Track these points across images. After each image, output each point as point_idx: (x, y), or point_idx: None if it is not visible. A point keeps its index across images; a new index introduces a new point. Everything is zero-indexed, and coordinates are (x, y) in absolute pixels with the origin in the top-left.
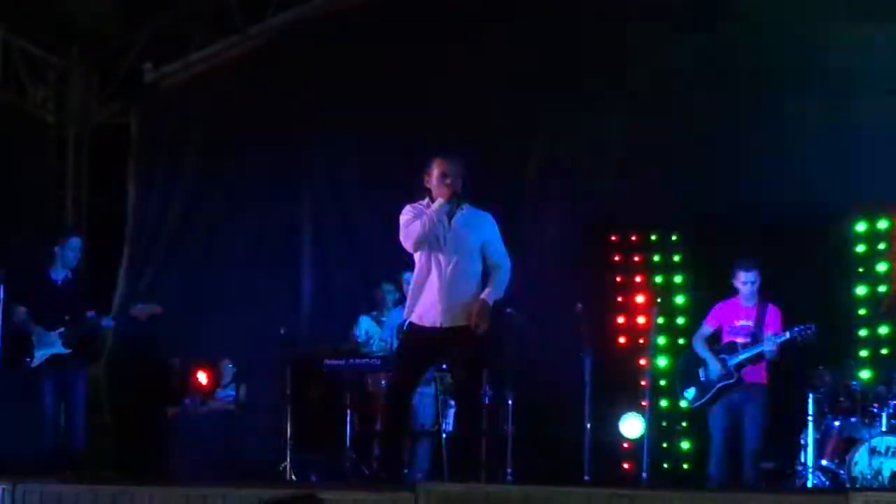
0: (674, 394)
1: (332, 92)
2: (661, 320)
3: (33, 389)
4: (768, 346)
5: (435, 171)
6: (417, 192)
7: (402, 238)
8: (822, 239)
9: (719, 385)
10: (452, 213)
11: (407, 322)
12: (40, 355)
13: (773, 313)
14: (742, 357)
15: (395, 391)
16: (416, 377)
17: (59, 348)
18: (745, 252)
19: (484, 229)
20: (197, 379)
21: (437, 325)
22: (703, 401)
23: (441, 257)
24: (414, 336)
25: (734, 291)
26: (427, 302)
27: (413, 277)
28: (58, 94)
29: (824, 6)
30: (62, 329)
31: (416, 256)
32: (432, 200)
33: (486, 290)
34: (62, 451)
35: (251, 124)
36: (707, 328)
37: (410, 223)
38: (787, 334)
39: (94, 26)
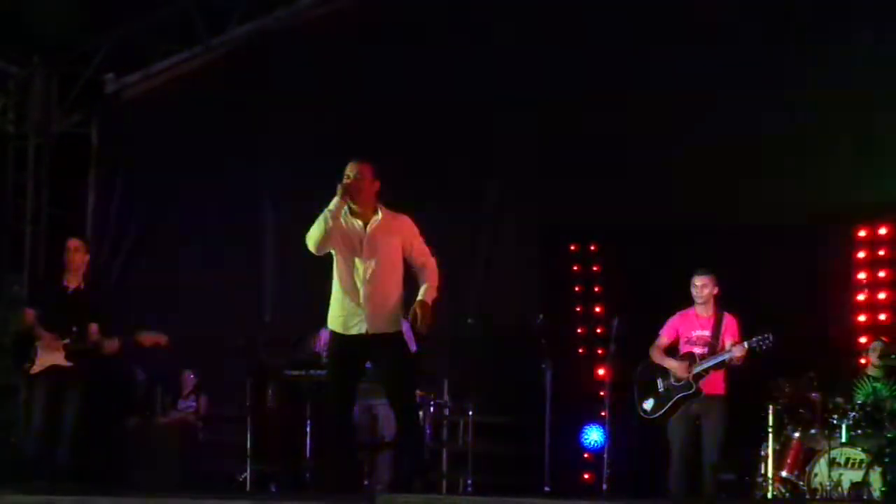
0: (633, 404)
1: (293, 102)
2: None
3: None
4: (736, 351)
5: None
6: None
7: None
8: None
9: (678, 396)
10: (367, 220)
11: (330, 331)
12: (41, 363)
13: (729, 322)
14: (703, 367)
15: (331, 403)
16: (350, 386)
17: (60, 360)
18: (705, 260)
19: (402, 232)
20: (157, 389)
21: (363, 332)
22: (661, 412)
23: (359, 264)
24: (341, 345)
25: (691, 302)
26: (349, 310)
27: (333, 286)
28: (18, 103)
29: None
30: (67, 341)
31: (335, 264)
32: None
33: (423, 290)
34: (46, 460)
35: (212, 135)
36: (664, 339)
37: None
38: (746, 344)
39: (55, 36)
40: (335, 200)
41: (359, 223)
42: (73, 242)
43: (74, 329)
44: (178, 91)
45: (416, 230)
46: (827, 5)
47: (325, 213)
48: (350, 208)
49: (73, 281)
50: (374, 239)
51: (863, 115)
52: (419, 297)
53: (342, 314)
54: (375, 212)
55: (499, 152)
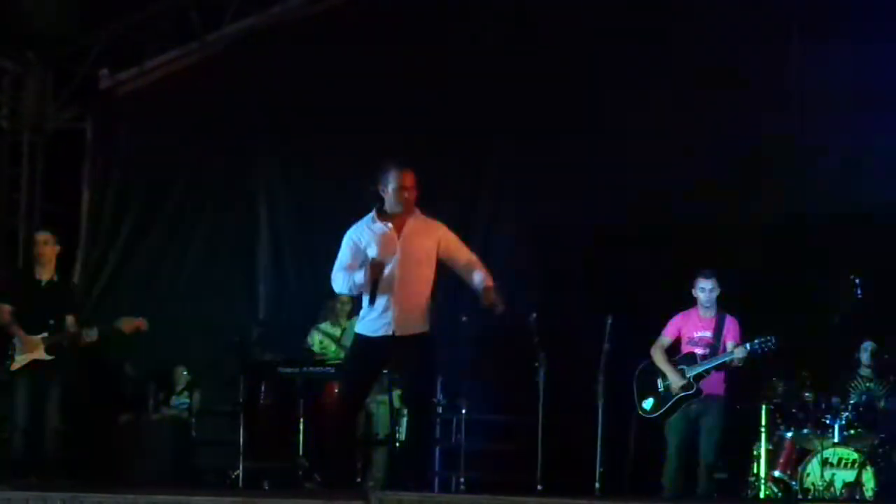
0: (630, 404)
1: (289, 99)
2: None
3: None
4: (738, 353)
5: (393, 182)
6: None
7: (332, 275)
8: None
9: (678, 396)
10: (402, 224)
11: (356, 333)
12: (21, 360)
13: (731, 324)
14: (704, 368)
15: (345, 402)
16: (367, 387)
17: (40, 354)
18: (703, 259)
19: (436, 235)
20: (150, 385)
21: (390, 334)
22: (661, 411)
23: (392, 268)
24: (364, 346)
25: (693, 302)
26: (378, 312)
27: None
28: (12, 98)
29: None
30: (45, 334)
31: None
32: (381, 209)
33: (482, 277)
34: (30, 457)
35: (207, 131)
36: (666, 338)
37: (340, 269)
38: (749, 346)
39: (50, 31)
40: (366, 278)
41: (390, 226)
42: (42, 236)
43: (51, 322)
44: (173, 88)
45: (449, 231)
46: None
47: (351, 283)
48: (384, 213)
49: (44, 274)
50: (408, 243)
51: None
52: (487, 284)
53: (371, 317)
54: (410, 215)
55: (496, 149)
